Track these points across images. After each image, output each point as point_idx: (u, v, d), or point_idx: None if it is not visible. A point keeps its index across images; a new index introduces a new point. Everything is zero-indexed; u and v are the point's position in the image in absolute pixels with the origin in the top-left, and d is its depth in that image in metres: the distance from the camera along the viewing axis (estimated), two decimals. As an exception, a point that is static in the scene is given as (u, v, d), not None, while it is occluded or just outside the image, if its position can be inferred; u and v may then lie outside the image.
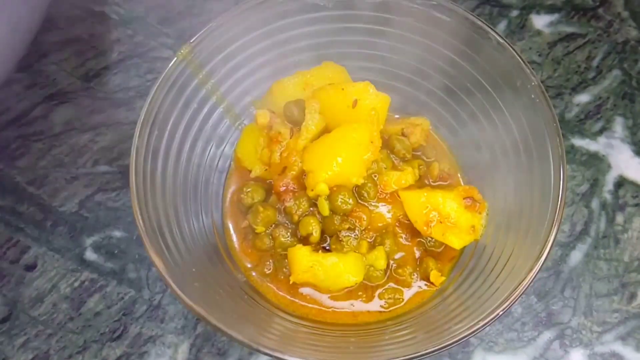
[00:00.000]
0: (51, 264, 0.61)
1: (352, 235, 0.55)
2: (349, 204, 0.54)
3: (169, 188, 0.54)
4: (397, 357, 0.44)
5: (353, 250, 0.54)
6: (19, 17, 0.52)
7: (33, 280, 0.60)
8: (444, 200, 0.55)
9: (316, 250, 0.54)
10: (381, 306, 0.56)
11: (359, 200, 0.56)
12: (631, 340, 0.59)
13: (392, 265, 0.57)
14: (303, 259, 0.53)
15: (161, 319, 0.59)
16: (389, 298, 0.56)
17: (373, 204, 0.57)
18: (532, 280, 0.46)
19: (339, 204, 0.54)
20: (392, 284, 0.57)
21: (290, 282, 0.54)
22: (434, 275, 0.55)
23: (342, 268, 0.53)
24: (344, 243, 0.54)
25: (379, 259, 0.55)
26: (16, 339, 0.58)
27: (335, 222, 0.55)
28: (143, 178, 0.50)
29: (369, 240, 0.56)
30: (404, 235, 0.58)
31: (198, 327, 0.58)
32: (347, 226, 0.55)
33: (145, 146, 0.51)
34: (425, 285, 0.56)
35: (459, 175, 0.62)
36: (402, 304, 0.56)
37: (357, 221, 0.55)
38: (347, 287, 0.56)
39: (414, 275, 0.57)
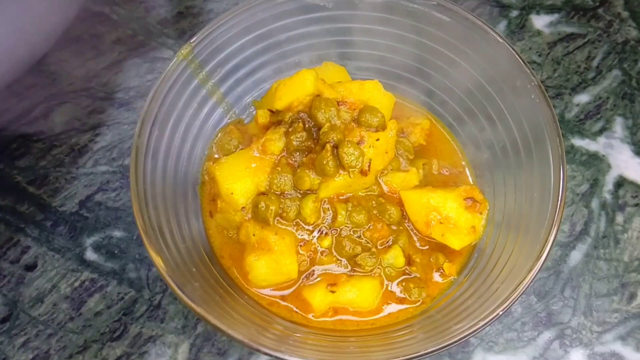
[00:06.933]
0: (51, 263, 0.61)
1: (369, 256, 0.55)
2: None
3: (169, 188, 0.54)
4: (397, 357, 0.44)
5: (375, 266, 0.55)
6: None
7: (33, 280, 0.60)
8: (445, 201, 0.55)
9: (332, 287, 0.55)
10: (407, 303, 0.56)
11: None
12: (631, 340, 0.59)
13: (405, 269, 0.57)
14: (321, 303, 0.54)
15: (161, 319, 0.59)
16: (413, 294, 0.56)
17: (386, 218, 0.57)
18: (532, 280, 0.46)
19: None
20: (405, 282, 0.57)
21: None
22: (447, 267, 0.56)
23: (360, 298, 0.54)
24: (364, 265, 0.55)
25: (397, 257, 0.55)
26: (16, 339, 0.58)
27: (347, 248, 0.55)
28: (143, 178, 0.50)
29: (386, 243, 0.57)
30: (415, 237, 0.58)
31: (198, 327, 0.58)
32: (359, 249, 0.55)
33: (145, 146, 0.51)
34: (440, 277, 0.56)
35: (467, 172, 0.62)
36: (420, 303, 0.56)
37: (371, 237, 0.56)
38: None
39: (428, 269, 0.57)
